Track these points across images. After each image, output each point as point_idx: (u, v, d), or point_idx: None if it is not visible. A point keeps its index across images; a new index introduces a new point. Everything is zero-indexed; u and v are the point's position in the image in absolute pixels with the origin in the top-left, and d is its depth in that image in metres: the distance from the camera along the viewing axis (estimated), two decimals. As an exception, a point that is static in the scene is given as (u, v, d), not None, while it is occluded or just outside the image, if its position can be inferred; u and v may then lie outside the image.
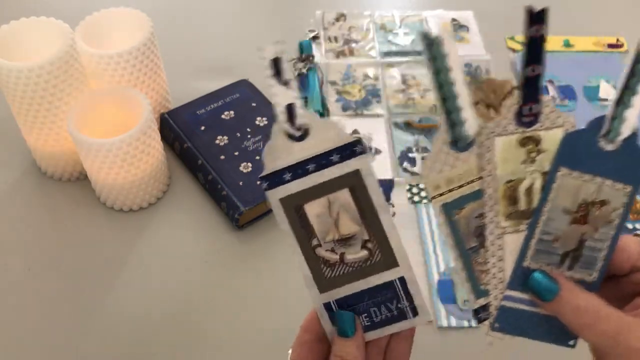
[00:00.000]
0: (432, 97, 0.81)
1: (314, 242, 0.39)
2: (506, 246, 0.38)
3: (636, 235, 0.66)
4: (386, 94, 0.81)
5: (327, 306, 0.40)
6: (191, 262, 0.64)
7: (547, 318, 0.38)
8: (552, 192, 0.37)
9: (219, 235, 0.66)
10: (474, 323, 0.58)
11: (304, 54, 0.85)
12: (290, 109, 0.37)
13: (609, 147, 0.36)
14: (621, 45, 0.88)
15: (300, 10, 0.93)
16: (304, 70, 0.83)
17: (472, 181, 0.38)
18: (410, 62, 0.85)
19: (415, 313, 0.39)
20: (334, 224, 0.39)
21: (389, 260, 0.39)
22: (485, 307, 0.39)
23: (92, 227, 0.66)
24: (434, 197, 0.38)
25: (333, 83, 0.82)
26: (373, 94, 0.80)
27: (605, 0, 0.97)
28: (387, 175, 0.71)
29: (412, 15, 0.93)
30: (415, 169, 0.72)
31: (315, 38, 0.88)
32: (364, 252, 0.39)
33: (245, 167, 0.67)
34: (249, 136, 0.70)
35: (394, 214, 0.67)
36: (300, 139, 0.37)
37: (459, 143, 0.37)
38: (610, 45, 0.88)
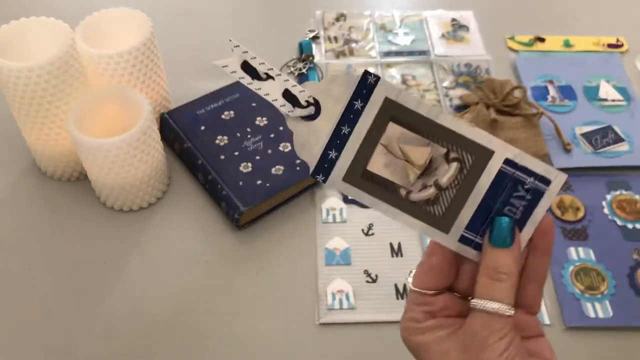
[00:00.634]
0: (432, 97, 0.81)
1: (402, 192, 0.37)
2: None
3: None
4: (386, 94, 0.80)
5: (464, 240, 0.37)
6: (191, 262, 0.64)
7: None
8: None
9: (219, 235, 0.66)
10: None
11: (304, 54, 0.85)
12: (287, 94, 0.36)
13: None
14: (621, 45, 0.88)
15: (300, 10, 0.93)
16: (304, 71, 0.83)
17: None
18: (410, 62, 0.85)
19: (546, 181, 0.36)
20: (406, 163, 0.36)
21: (482, 153, 0.36)
22: None
23: (92, 227, 0.66)
24: None
25: (333, 83, 0.82)
26: (373, 94, 0.80)
27: (605, 0, 0.97)
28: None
29: (412, 15, 0.93)
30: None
31: (315, 38, 0.88)
32: (454, 164, 0.36)
33: (245, 167, 0.67)
34: (249, 136, 0.70)
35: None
36: (316, 113, 0.36)
37: None
38: (610, 45, 0.88)
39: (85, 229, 0.66)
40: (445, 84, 0.82)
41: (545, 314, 0.60)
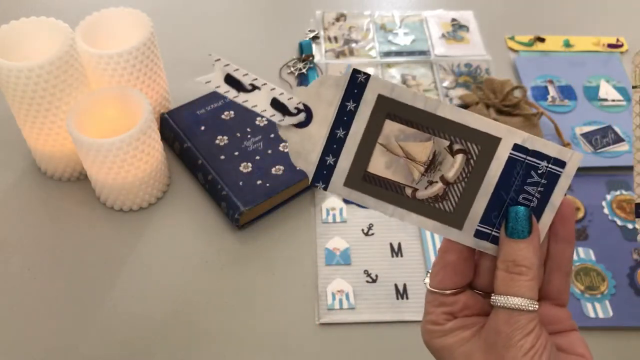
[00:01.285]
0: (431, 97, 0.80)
1: (408, 191, 0.35)
2: None
3: None
4: (386, 94, 0.81)
5: (479, 234, 0.35)
6: (191, 262, 0.64)
7: None
8: None
9: (219, 235, 0.66)
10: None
11: (304, 54, 0.85)
12: (276, 103, 0.34)
13: None
14: (621, 45, 0.88)
15: (300, 10, 0.93)
16: (304, 71, 0.83)
17: None
18: (410, 62, 0.85)
19: (561, 164, 0.34)
20: (408, 160, 0.35)
21: (488, 141, 0.34)
22: None
23: (92, 227, 0.66)
24: (635, 87, 0.34)
25: (333, 83, 0.82)
26: (373, 94, 0.80)
27: (605, 0, 0.97)
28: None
29: (412, 15, 0.93)
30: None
31: (315, 38, 0.88)
32: (460, 156, 0.35)
33: (245, 167, 0.67)
34: (249, 136, 0.70)
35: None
36: (308, 119, 0.35)
37: None
38: (610, 45, 0.88)
39: (85, 229, 0.66)
40: (445, 84, 0.82)
41: (545, 314, 0.60)
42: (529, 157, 0.34)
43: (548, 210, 0.35)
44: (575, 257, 0.64)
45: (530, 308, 0.33)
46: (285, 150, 0.69)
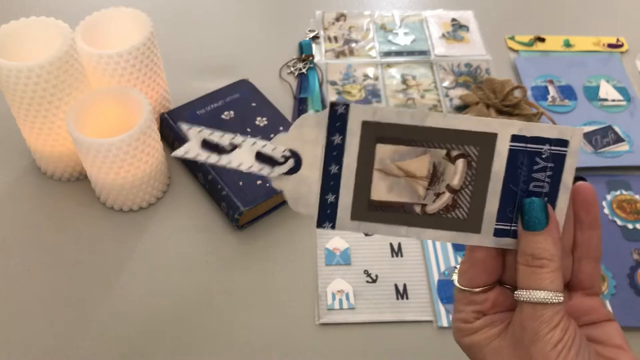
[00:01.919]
0: (432, 97, 0.81)
1: (417, 209, 0.35)
2: None
3: None
4: (386, 94, 0.81)
5: (499, 233, 0.35)
6: (191, 262, 0.64)
7: None
8: None
9: (219, 235, 0.66)
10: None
11: (304, 54, 0.85)
12: (261, 156, 0.34)
13: None
14: (621, 45, 0.88)
15: (300, 10, 0.93)
16: (304, 71, 0.83)
17: None
18: (410, 62, 0.85)
19: (563, 143, 0.34)
20: (409, 178, 0.34)
21: (484, 139, 0.34)
22: None
23: (92, 227, 0.66)
24: None
25: (333, 83, 0.82)
26: (373, 94, 0.80)
27: (605, 0, 0.97)
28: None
29: (412, 15, 0.93)
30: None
31: (315, 38, 0.88)
32: (460, 162, 0.34)
33: (245, 167, 0.67)
34: (249, 136, 0.70)
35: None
36: (298, 165, 0.34)
37: None
38: (610, 45, 0.88)
39: (85, 229, 0.66)
40: (446, 84, 0.82)
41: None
42: (529, 145, 0.34)
43: (562, 192, 0.34)
44: (575, 257, 0.64)
45: (554, 300, 0.32)
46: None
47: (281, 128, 0.71)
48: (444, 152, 0.35)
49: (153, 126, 0.64)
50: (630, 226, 0.67)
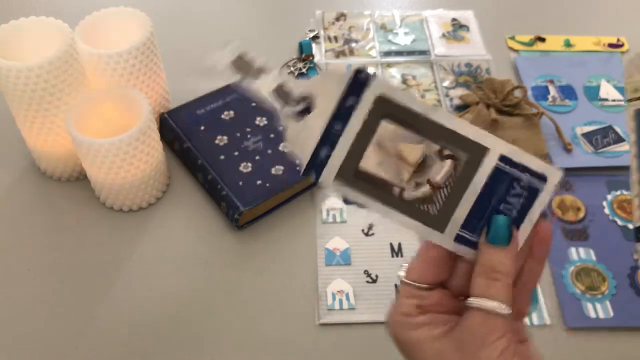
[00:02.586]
0: (432, 97, 0.80)
1: (396, 191, 0.36)
2: None
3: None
4: (386, 94, 0.80)
5: (460, 239, 0.37)
6: (191, 262, 0.64)
7: None
8: None
9: (219, 235, 0.66)
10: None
11: (304, 53, 0.85)
12: (280, 90, 0.35)
13: None
14: (621, 45, 0.88)
15: (300, 10, 0.93)
16: (304, 70, 0.83)
17: None
18: (410, 62, 0.85)
19: (542, 178, 0.35)
20: (400, 161, 0.36)
21: (476, 150, 0.35)
22: None
23: (92, 227, 0.66)
24: (630, 100, 0.34)
25: (333, 83, 0.82)
26: (373, 94, 0.80)
27: (605, 0, 0.97)
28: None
29: (412, 15, 0.93)
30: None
31: (315, 38, 0.88)
32: (448, 162, 0.36)
33: (245, 167, 0.67)
34: (248, 136, 0.70)
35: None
36: (307, 109, 0.35)
37: None
38: (611, 45, 0.88)
39: (85, 229, 0.66)
40: (446, 83, 0.82)
41: (545, 314, 0.60)
42: (513, 169, 0.35)
43: (526, 223, 0.36)
44: (575, 257, 0.64)
45: (505, 312, 0.35)
46: (286, 150, 0.69)
47: (281, 128, 0.71)
48: (437, 148, 0.36)
49: (153, 126, 0.64)
50: (630, 226, 0.67)
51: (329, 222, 0.67)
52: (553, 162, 0.73)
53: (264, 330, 0.59)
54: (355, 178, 0.35)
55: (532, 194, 0.36)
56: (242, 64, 0.35)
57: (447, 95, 0.81)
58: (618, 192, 0.70)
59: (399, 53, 0.86)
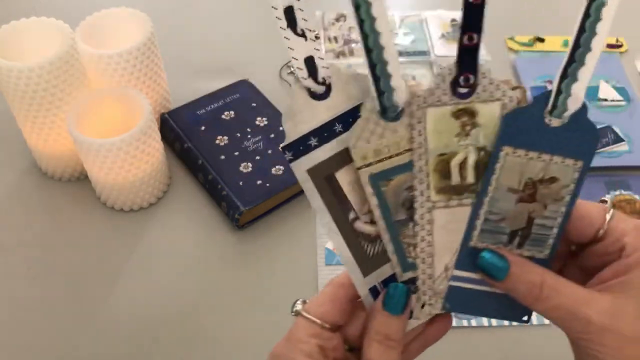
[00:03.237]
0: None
1: (351, 215, 0.35)
2: (436, 220, 0.36)
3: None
4: (386, 94, 0.81)
5: (373, 291, 0.37)
6: (191, 262, 0.64)
7: (498, 295, 0.37)
8: (496, 172, 0.35)
9: (219, 235, 0.66)
10: (473, 322, 0.58)
11: (304, 54, 0.85)
12: (310, 62, 0.33)
13: (556, 123, 0.35)
14: (620, 46, 0.88)
15: (300, 10, 0.93)
16: (304, 71, 0.83)
17: (402, 152, 0.35)
18: (410, 62, 0.85)
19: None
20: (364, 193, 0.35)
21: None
22: (413, 280, 0.37)
23: (92, 227, 0.66)
24: (360, 168, 0.34)
25: (333, 83, 0.82)
26: (373, 94, 0.81)
27: (605, 1, 0.97)
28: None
29: (412, 15, 0.93)
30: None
31: (315, 38, 0.88)
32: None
33: (245, 167, 0.67)
34: (249, 136, 0.70)
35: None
36: (324, 96, 0.34)
37: (388, 112, 0.34)
38: (610, 46, 0.88)
39: (85, 229, 0.66)
40: (445, 84, 0.82)
41: (545, 314, 0.60)
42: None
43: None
44: (575, 257, 0.64)
45: None
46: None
47: (281, 128, 0.71)
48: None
49: (153, 126, 0.64)
50: (629, 226, 0.67)
51: (329, 222, 0.67)
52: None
53: (264, 330, 0.59)
54: (325, 182, 0.35)
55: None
56: (290, 16, 0.33)
57: (446, 96, 0.81)
58: (617, 192, 0.70)
59: (398, 53, 0.86)
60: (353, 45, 0.88)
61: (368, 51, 0.32)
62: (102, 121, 0.66)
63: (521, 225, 0.36)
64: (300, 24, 0.32)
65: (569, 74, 0.34)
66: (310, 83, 0.33)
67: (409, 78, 0.83)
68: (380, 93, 0.33)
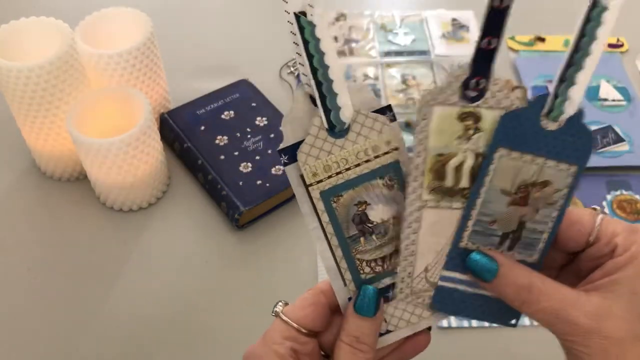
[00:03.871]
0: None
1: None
2: (424, 219, 0.36)
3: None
4: (386, 94, 0.81)
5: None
6: (191, 262, 0.64)
7: (486, 298, 0.37)
8: (489, 174, 0.35)
9: (219, 235, 0.66)
10: (474, 323, 0.58)
11: (304, 54, 0.85)
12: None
13: (552, 127, 0.35)
14: (621, 45, 0.88)
15: (300, 10, 0.93)
16: (304, 70, 0.83)
17: (350, 168, 0.35)
18: (410, 62, 0.85)
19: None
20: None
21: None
22: (391, 287, 0.37)
23: (92, 227, 0.66)
24: (310, 185, 0.34)
25: (333, 83, 0.82)
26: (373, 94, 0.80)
27: (606, 0, 0.97)
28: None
29: (412, 15, 0.93)
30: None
31: (315, 38, 0.88)
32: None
33: (245, 167, 0.67)
34: (249, 136, 0.70)
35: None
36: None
37: (336, 129, 0.34)
38: (610, 45, 0.88)
39: (85, 229, 0.66)
40: (446, 84, 0.82)
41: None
42: None
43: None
44: (575, 257, 0.64)
45: None
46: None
47: (281, 128, 0.71)
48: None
49: (153, 126, 0.64)
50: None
51: (329, 222, 0.67)
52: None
53: (264, 330, 0.59)
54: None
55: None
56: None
57: (447, 96, 0.81)
58: (618, 192, 0.70)
59: (399, 53, 0.86)
60: (353, 44, 0.87)
61: (314, 70, 0.33)
62: (102, 121, 0.66)
63: (512, 229, 0.36)
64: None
65: (566, 77, 0.34)
66: (314, 90, 0.34)
67: (410, 78, 0.83)
68: (327, 111, 0.34)
